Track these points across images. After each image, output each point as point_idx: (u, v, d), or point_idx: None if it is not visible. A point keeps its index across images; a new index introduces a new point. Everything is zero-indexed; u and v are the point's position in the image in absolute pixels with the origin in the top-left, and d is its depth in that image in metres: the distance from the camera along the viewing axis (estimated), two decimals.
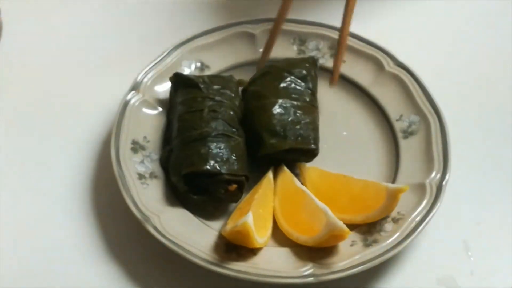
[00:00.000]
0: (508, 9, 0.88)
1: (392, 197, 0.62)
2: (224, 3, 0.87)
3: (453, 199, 0.67)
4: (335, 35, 0.76)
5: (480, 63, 0.83)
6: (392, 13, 0.88)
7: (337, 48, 0.72)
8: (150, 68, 0.73)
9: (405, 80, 0.74)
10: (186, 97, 0.70)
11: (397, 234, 0.61)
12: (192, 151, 0.65)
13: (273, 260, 0.61)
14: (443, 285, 0.63)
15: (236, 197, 0.65)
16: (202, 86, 0.70)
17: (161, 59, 0.74)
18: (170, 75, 0.72)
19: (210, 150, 0.65)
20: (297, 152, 0.67)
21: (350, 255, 0.60)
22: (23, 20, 0.86)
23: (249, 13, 0.81)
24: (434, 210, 0.63)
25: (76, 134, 0.73)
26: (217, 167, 0.64)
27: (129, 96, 0.71)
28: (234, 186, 0.65)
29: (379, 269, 0.62)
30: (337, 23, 0.73)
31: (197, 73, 0.75)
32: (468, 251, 0.65)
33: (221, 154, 0.65)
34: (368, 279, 0.63)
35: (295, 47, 0.78)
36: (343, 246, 0.61)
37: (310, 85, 0.72)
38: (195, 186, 0.65)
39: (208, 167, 0.64)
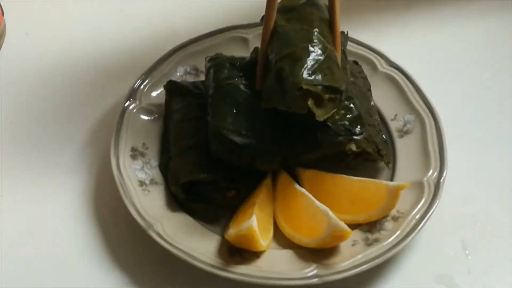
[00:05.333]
0: (508, 8, 0.90)
1: (393, 195, 0.63)
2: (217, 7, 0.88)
3: (451, 198, 0.67)
4: None
5: (476, 60, 0.84)
6: (387, 14, 0.90)
7: None
8: (146, 75, 0.74)
9: (398, 80, 0.75)
10: (181, 104, 0.70)
11: (398, 232, 0.62)
12: (189, 160, 0.66)
13: (276, 263, 0.61)
14: (441, 283, 0.63)
15: (235, 202, 0.66)
16: (196, 92, 0.71)
17: (156, 66, 0.75)
18: (166, 81, 0.73)
19: (207, 158, 0.65)
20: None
21: (353, 255, 0.61)
22: (26, 23, 0.86)
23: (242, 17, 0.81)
24: (433, 208, 0.63)
25: (76, 142, 0.73)
26: (214, 174, 0.64)
27: (126, 104, 0.71)
28: (233, 192, 0.65)
29: (377, 268, 0.62)
30: None
31: (192, 79, 0.76)
32: (466, 250, 0.66)
33: (217, 161, 0.65)
34: (366, 278, 0.63)
35: None
36: (345, 246, 0.62)
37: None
38: (194, 194, 0.65)
39: (205, 175, 0.64)
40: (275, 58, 0.63)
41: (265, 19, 0.65)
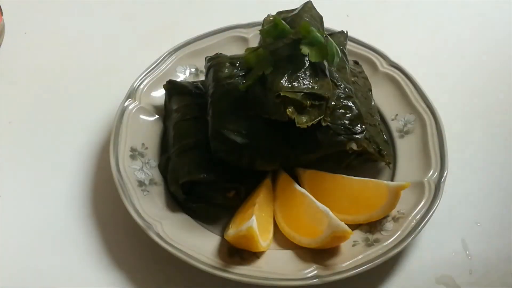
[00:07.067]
0: (507, 10, 0.90)
1: (394, 195, 0.62)
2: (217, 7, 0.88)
3: (452, 199, 0.67)
4: None
5: (477, 60, 0.84)
6: (387, 14, 0.90)
7: None
8: (145, 75, 0.74)
9: (399, 80, 0.74)
10: (181, 104, 0.70)
11: (398, 232, 0.62)
12: (188, 160, 0.65)
13: (276, 263, 0.61)
14: (442, 284, 0.63)
15: (235, 202, 0.65)
16: (196, 92, 0.70)
17: (156, 66, 0.75)
18: (165, 81, 0.72)
19: (206, 158, 0.65)
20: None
21: (353, 255, 0.61)
22: (25, 22, 0.86)
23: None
24: (433, 208, 0.63)
25: (75, 142, 0.73)
26: (214, 174, 0.64)
27: (126, 104, 0.71)
28: (232, 192, 0.65)
29: (377, 269, 0.62)
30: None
31: (192, 78, 0.76)
32: (467, 251, 0.66)
33: (217, 161, 0.65)
34: (367, 279, 0.63)
35: None
36: (345, 247, 0.62)
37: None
38: (193, 194, 0.65)
39: (205, 175, 0.64)
40: None
41: None
